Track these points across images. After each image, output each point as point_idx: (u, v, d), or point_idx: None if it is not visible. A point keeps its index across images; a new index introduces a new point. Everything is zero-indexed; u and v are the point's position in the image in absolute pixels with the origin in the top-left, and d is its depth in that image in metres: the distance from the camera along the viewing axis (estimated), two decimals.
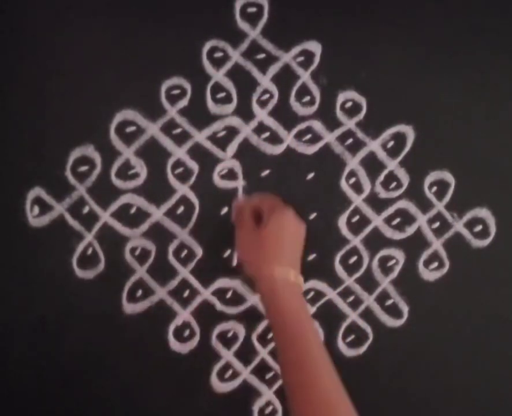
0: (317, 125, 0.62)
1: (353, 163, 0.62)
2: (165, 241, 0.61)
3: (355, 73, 0.62)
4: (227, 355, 0.62)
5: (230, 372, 0.62)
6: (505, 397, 0.64)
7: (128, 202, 0.61)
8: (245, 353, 0.62)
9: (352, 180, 0.62)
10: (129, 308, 0.61)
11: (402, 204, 0.63)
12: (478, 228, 0.63)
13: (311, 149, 0.62)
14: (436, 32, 0.62)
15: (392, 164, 0.62)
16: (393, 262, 0.63)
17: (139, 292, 0.61)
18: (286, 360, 0.51)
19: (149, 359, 0.62)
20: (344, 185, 0.62)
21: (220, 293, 0.62)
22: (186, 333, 0.62)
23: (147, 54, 0.60)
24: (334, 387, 0.49)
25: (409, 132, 0.62)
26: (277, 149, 0.62)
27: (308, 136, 0.62)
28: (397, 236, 0.63)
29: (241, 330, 0.62)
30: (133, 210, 0.61)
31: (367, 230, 0.63)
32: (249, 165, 0.62)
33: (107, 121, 0.60)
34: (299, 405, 0.48)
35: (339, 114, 0.62)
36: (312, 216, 0.62)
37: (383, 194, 0.63)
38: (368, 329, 0.63)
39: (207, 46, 0.61)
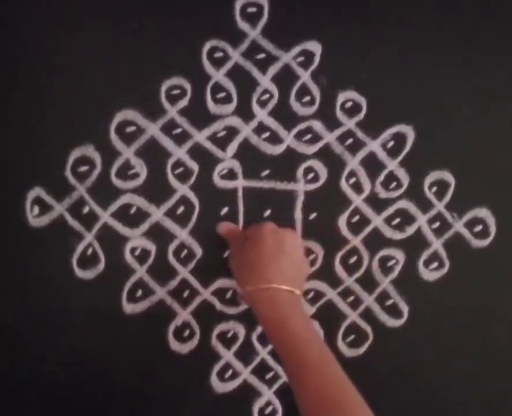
0: (317, 125, 0.62)
1: (353, 163, 0.62)
2: (165, 241, 0.61)
3: (355, 73, 0.62)
4: (227, 355, 0.62)
5: (230, 372, 0.62)
6: (505, 397, 0.64)
7: (128, 202, 0.61)
8: (245, 353, 0.62)
9: (352, 180, 0.62)
10: (129, 308, 0.61)
11: (402, 204, 0.63)
12: (478, 228, 0.63)
13: (311, 149, 0.62)
14: (436, 32, 0.62)
15: (392, 164, 0.62)
16: (393, 262, 0.63)
17: (139, 292, 0.61)
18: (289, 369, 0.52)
19: (149, 359, 0.62)
20: (344, 185, 0.62)
21: (220, 293, 0.62)
22: (186, 333, 0.62)
23: (147, 54, 0.60)
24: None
25: (409, 132, 0.62)
26: (277, 149, 0.62)
27: (308, 136, 0.62)
28: (397, 236, 0.63)
29: (241, 330, 0.62)
30: (133, 210, 0.61)
31: (367, 230, 0.63)
32: (249, 165, 0.62)
33: (107, 121, 0.60)
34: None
35: (339, 114, 0.62)
36: (312, 216, 0.62)
37: (383, 194, 0.63)
38: (368, 329, 0.63)
39: (207, 46, 0.61)
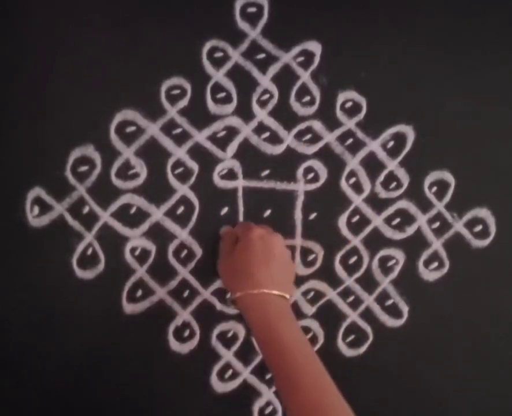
0: (317, 125, 0.62)
1: (353, 163, 0.62)
2: (165, 241, 0.61)
3: (355, 73, 0.62)
4: (227, 355, 0.62)
5: (230, 372, 0.62)
6: (505, 397, 0.64)
7: (128, 202, 0.61)
8: (245, 353, 0.62)
9: (352, 180, 0.62)
10: (129, 308, 0.61)
11: (402, 204, 0.63)
12: (478, 228, 0.63)
13: (311, 149, 0.62)
14: (436, 32, 0.62)
15: (392, 164, 0.62)
16: (393, 262, 0.63)
17: (139, 292, 0.61)
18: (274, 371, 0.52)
19: (149, 359, 0.62)
20: (344, 185, 0.62)
21: (220, 293, 0.62)
22: (186, 333, 0.62)
23: (147, 54, 0.60)
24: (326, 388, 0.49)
25: (409, 132, 0.62)
26: (277, 149, 0.62)
27: (308, 136, 0.62)
28: (397, 236, 0.63)
29: (241, 330, 0.62)
30: (133, 210, 0.61)
31: (367, 230, 0.63)
32: (249, 165, 0.62)
33: (107, 121, 0.60)
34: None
35: (339, 114, 0.62)
36: (312, 216, 0.62)
37: (383, 194, 0.63)
38: (368, 329, 0.63)
39: (207, 46, 0.61)
